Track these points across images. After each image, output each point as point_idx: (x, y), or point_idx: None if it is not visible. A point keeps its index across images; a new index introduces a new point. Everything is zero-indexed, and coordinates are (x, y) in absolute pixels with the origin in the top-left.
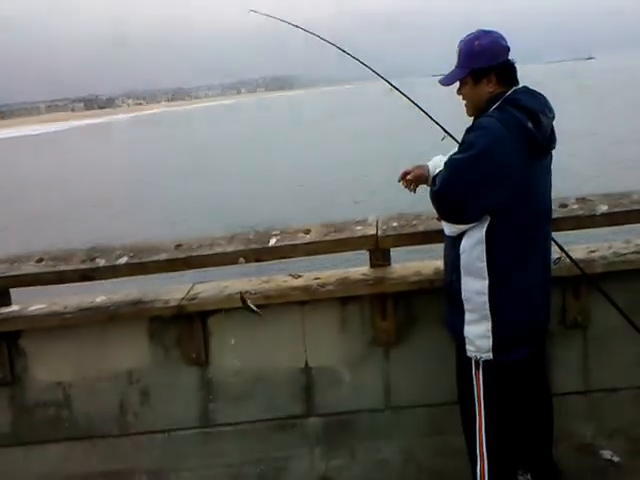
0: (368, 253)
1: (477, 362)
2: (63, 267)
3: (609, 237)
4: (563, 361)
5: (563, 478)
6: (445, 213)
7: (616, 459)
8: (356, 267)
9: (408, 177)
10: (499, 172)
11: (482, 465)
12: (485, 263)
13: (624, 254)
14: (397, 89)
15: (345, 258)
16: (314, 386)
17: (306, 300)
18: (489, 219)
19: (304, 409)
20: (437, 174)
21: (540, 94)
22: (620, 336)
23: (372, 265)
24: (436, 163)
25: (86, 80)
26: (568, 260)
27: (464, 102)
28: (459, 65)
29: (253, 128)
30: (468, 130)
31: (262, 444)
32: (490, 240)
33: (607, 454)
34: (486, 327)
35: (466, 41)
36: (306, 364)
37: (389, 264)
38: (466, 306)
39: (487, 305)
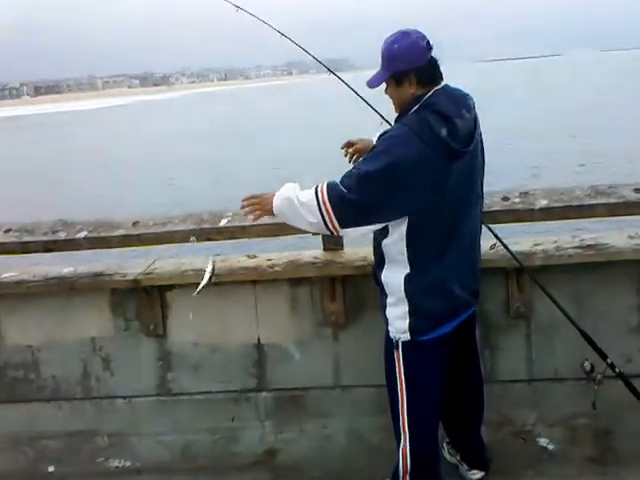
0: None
1: (397, 342)
2: (27, 238)
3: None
4: (508, 350)
5: (494, 461)
6: (351, 221)
7: (551, 447)
8: (310, 250)
9: (351, 150)
10: (409, 181)
11: (404, 443)
12: (406, 256)
13: (565, 248)
14: (337, 76)
15: None
16: (266, 362)
17: (258, 280)
18: (407, 219)
19: (256, 384)
20: (347, 174)
21: (460, 94)
22: (564, 327)
23: (325, 249)
24: None
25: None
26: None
27: (391, 101)
28: (382, 68)
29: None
30: (381, 136)
31: (216, 415)
32: (410, 236)
33: (544, 442)
34: (403, 310)
35: (387, 44)
36: (258, 341)
37: (341, 248)
38: (387, 290)
39: (402, 289)
